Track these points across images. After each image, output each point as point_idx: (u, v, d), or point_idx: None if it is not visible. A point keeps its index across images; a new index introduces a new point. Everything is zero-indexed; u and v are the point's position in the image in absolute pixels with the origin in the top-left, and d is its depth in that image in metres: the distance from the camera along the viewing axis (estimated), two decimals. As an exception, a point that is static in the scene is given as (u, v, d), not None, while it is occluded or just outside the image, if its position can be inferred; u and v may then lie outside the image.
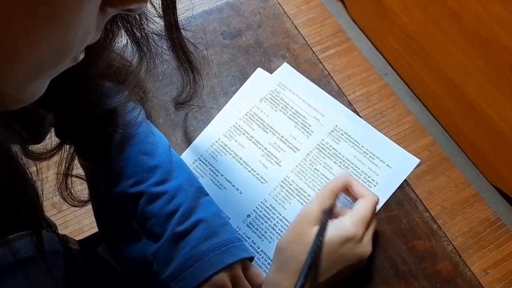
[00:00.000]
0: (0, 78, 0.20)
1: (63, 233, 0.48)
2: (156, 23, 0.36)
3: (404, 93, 1.47)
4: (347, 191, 0.49)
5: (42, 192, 0.32)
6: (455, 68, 1.26)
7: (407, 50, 1.42)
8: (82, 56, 0.25)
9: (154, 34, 0.37)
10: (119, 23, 0.34)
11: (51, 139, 0.47)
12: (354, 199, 0.48)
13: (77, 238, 0.53)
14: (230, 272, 0.43)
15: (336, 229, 0.44)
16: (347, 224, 0.44)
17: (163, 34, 0.38)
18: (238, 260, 0.43)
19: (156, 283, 0.42)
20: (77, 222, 1.18)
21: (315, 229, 0.43)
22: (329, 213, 0.45)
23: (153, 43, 0.38)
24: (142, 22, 0.36)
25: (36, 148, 0.48)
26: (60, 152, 0.47)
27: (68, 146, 0.47)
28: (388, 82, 1.48)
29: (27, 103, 0.24)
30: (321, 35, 1.55)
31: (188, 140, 0.56)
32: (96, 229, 0.49)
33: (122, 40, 0.37)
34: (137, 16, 0.35)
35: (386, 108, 1.42)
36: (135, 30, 0.36)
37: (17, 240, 0.30)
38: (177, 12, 0.36)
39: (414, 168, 0.54)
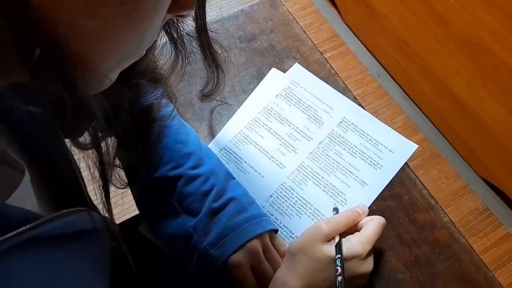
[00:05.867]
0: (103, 65, 0.27)
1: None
2: (188, 25, 0.42)
3: (397, 93, 1.56)
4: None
5: None
6: (445, 69, 1.34)
7: (399, 53, 1.51)
8: (143, 53, 0.32)
9: (188, 35, 0.44)
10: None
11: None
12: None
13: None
14: (260, 240, 0.50)
15: (344, 246, 0.47)
16: (355, 243, 0.48)
17: (193, 35, 0.43)
18: (267, 230, 0.50)
19: (195, 252, 0.49)
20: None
21: (324, 247, 0.47)
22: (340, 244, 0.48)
23: (187, 42, 0.45)
24: (178, 25, 0.42)
25: (82, 138, 0.54)
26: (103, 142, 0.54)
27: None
28: (381, 84, 1.57)
29: (106, 87, 0.30)
30: (317, 40, 1.63)
31: (213, 132, 0.63)
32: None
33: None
34: (174, 19, 0.41)
35: (381, 107, 1.50)
36: (172, 31, 0.43)
37: (68, 215, 0.32)
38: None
39: (411, 156, 0.62)
